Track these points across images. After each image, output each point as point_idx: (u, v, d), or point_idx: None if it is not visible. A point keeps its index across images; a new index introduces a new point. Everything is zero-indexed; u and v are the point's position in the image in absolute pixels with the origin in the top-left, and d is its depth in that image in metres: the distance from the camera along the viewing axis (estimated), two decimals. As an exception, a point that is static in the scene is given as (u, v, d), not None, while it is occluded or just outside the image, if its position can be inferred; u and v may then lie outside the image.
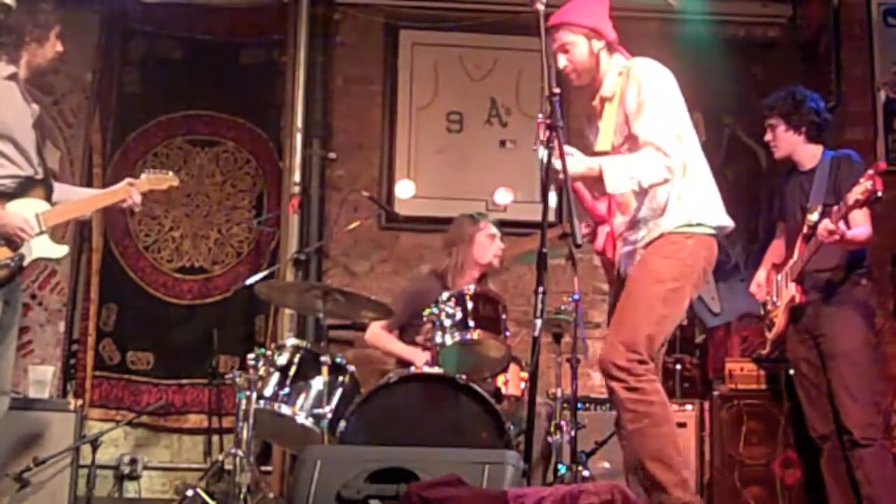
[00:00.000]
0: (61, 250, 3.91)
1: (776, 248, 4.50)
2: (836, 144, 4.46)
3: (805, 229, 4.14)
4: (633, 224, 3.42)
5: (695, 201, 3.36)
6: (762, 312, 4.47)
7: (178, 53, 6.16)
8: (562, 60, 3.44)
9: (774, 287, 4.36)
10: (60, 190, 3.99)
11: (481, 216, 4.85)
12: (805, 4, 6.13)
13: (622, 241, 3.47)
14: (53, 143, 5.94)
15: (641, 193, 3.34)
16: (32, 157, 3.82)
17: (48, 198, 3.84)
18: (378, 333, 4.70)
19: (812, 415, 4.24)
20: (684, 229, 3.34)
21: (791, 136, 4.29)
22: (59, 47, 3.91)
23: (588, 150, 3.44)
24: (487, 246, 4.73)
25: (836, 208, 3.92)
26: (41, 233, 3.77)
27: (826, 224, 3.91)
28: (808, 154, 4.29)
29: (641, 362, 3.22)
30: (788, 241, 4.35)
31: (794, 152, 4.32)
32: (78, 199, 4.05)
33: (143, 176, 4.17)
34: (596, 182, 3.26)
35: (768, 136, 4.36)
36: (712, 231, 3.38)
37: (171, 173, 4.27)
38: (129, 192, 4.03)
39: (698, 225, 3.35)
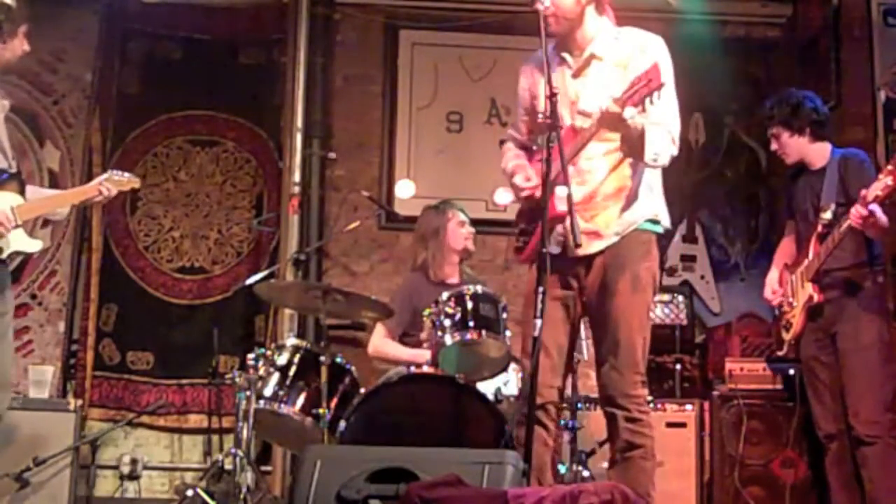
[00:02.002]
0: (37, 244, 3.87)
1: (786, 248, 4.47)
2: (836, 144, 4.46)
3: (819, 228, 4.12)
4: (592, 199, 3.24)
5: (657, 196, 3.32)
6: (777, 314, 4.43)
7: (178, 53, 6.16)
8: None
9: (789, 287, 4.33)
10: (30, 190, 3.95)
11: (446, 205, 4.88)
12: (805, 4, 6.13)
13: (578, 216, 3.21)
14: (53, 143, 5.94)
15: (611, 170, 3.20)
16: (7, 150, 3.82)
17: (22, 192, 3.82)
18: (380, 344, 4.69)
19: (820, 414, 4.22)
20: (650, 226, 3.29)
21: (796, 141, 4.27)
22: (27, 46, 3.87)
23: (534, 101, 3.39)
24: (459, 232, 4.78)
25: (862, 193, 3.86)
26: (17, 226, 3.73)
27: (858, 209, 3.86)
28: (817, 153, 4.28)
29: (644, 383, 3.23)
30: (800, 241, 4.33)
31: (803, 155, 4.30)
32: (50, 195, 4.05)
33: (108, 177, 4.03)
34: (627, 141, 3.11)
35: (774, 146, 4.34)
36: (662, 231, 3.34)
37: (133, 176, 4.10)
38: (99, 187, 3.95)
39: (658, 223, 3.31)
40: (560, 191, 3.11)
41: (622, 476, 3.16)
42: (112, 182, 3.99)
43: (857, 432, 4.02)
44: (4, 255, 3.73)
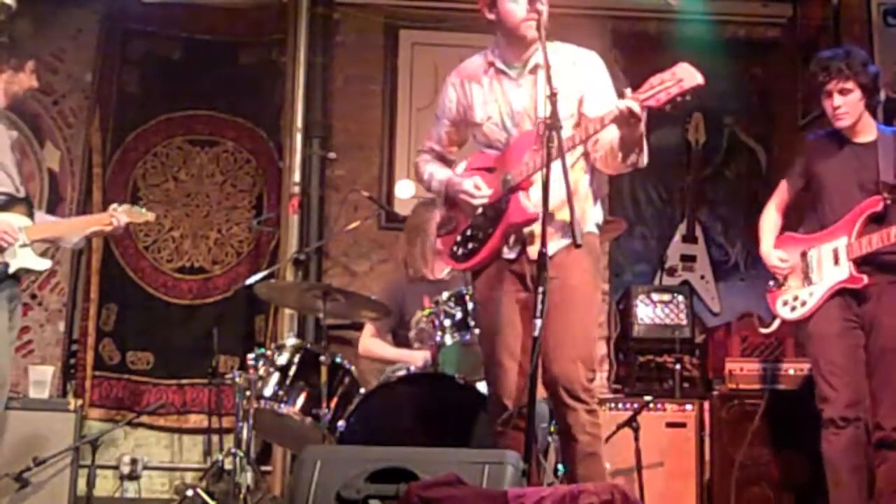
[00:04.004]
0: (44, 264, 4.09)
1: (774, 216, 4.08)
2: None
3: (880, 207, 3.75)
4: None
5: (599, 201, 3.38)
6: (773, 285, 4.02)
7: (178, 53, 6.16)
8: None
9: (814, 262, 3.91)
10: (38, 216, 4.16)
11: (436, 202, 4.87)
12: (805, 4, 6.13)
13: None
14: (53, 144, 5.95)
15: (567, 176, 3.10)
16: (15, 177, 4.00)
17: (30, 215, 4.00)
18: (369, 344, 4.68)
19: (827, 394, 3.81)
20: (595, 229, 3.35)
21: (861, 106, 3.83)
22: (35, 83, 4.09)
23: (467, 112, 3.41)
24: None
25: None
26: (24, 245, 3.92)
27: None
28: (867, 124, 3.89)
29: (594, 379, 3.28)
30: (829, 214, 3.91)
31: (858, 121, 3.87)
32: (58, 221, 4.33)
33: (121, 207, 4.20)
34: (626, 143, 3.07)
35: (837, 102, 3.81)
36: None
37: (147, 212, 4.30)
38: (111, 217, 4.12)
39: (599, 225, 3.38)
40: (523, 196, 3.18)
41: (591, 470, 3.23)
42: (124, 212, 4.14)
43: (884, 434, 3.76)
44: (11, 270, 3.88)
